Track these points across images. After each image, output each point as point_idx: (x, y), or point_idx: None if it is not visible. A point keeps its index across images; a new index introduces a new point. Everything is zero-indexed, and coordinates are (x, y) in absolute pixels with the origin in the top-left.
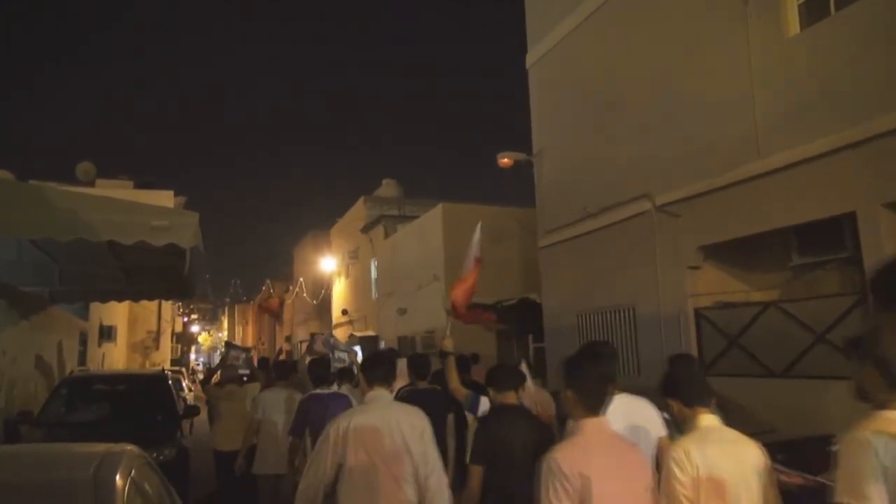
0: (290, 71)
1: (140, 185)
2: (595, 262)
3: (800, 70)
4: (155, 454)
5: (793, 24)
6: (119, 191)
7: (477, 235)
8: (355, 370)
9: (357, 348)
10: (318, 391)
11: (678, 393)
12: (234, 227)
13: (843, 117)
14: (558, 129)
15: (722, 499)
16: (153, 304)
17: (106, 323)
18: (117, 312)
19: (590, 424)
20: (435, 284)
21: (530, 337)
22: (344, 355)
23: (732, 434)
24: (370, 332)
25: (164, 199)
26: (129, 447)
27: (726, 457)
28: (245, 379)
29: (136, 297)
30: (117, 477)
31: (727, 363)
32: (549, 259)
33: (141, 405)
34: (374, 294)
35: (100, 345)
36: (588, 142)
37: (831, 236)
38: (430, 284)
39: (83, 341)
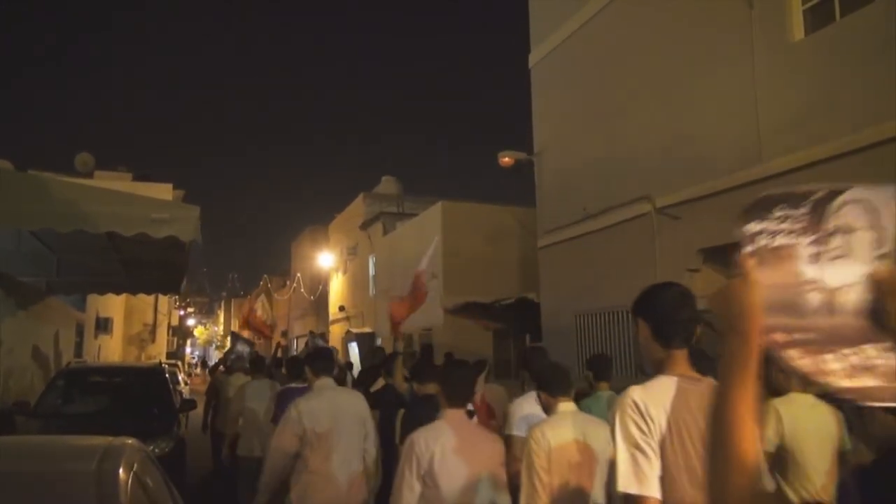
0: (290, 66)
1: (138, 178)
2: (594, 264)
3: (804, 75)
4: (153, 447)
5: (798, 29)
6: (117, 182)
7: (431, 251)
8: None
9: (353, 344)
10: (293, 385)
11: (544, 384)
12: (233, 221)
13: (847, 124)
14: (560, 130)
15: (570, 467)
16: (150, 297)
17: (103, 315)
18: (114, 304)
19: (450, 414)
20: (433, 282)
21: (527, 336)
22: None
23: (585, 416)
24: (367, 329)
25: (163, 191)
26: (130, 441)
27: (578, 434)
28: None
29: (134, 291)
30: (120, 470)
31: None
32: (549, 259)
33: (138, 398)
34: (371, 291)
35: (96, 336)
36: (589, 142)
37: None
38: (429, 282)
39: (80, 332)
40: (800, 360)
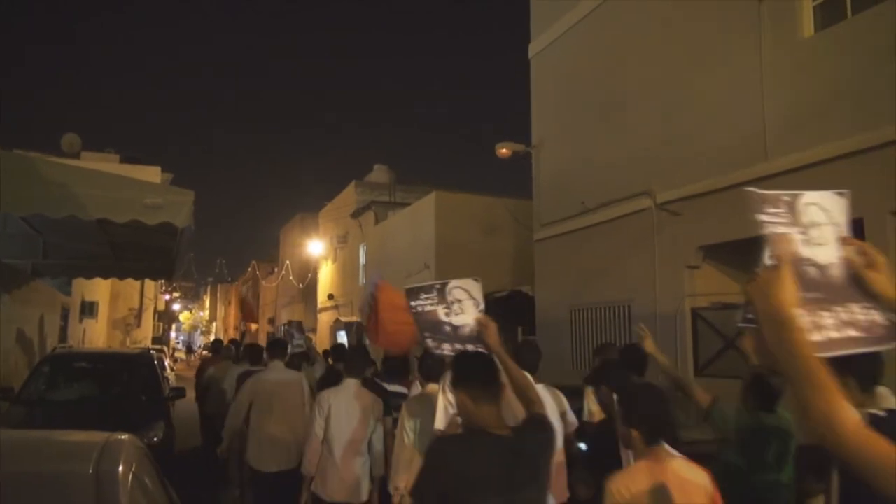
0: (283, 51)
1: (126, 160)
2: (591, 258)
3: (812, 73)
4: (143, 437)
5: (807, 26)
6: (105, 164)
7: (371, 286)
8: (311, 354)
9: (342, 333)
10: (251, 368)
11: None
12: (221, 206)
13: (854, 122)
14: (559, 122)
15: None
16: (136, 281)
17: (88, 299)
18: (100, 288)
19: (346, 383)
20: (425, 273)
21: (520, 329)
22: (301, 341)
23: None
24: (356, 318)
25: (151, 174)
26: (126, 436)
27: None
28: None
29: (122, 275)
30: (120, 470)
31: (723, 364)
32: (545, 252)
33: (126, 385)
34: (361, 280)
35: (81, 321)
36: (589, 135)
37: None
38: (421, 272)
39: (65, 317)
40: (801, 318)
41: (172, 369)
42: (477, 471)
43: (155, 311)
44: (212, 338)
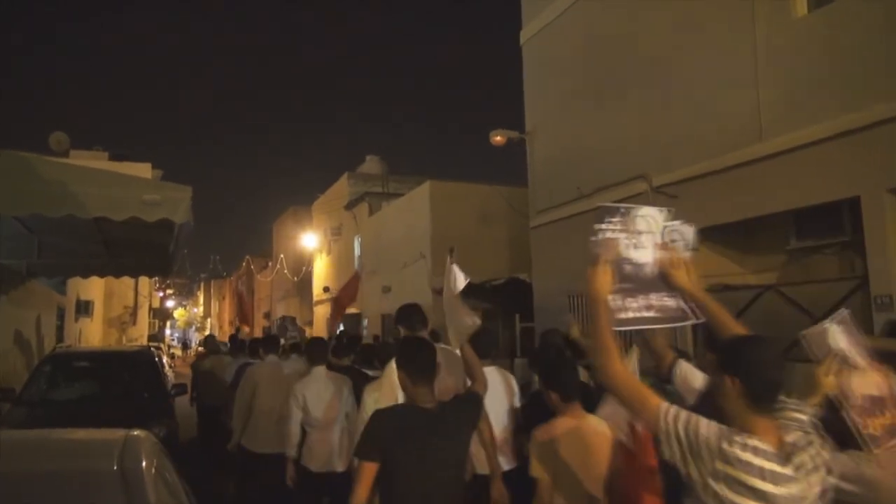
0: (273, 43)
1: (115, 157)
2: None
3: (807, 52)
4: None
5: (801, 5)
6: (94, 163)
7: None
8: (303, 344)
9: (340, 325)
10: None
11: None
12: (213, 201)
13: (850, 101)
14: (552, 108)
15: None
16: (130, 279)
17: (83, 298)
18: (94, 287)
19: (314, 372)
20: (421, 263)
21: (517, 317)
22: (295, 332)
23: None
24: (352, 310)
25: (142, 171)
26: (144, 432)
27: None
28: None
29: (118, 273)
30: (144, 465)
31: None
32: (541, 239)
33: (128, 383)
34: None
35: (77, 320)
36: (583, 121)
37: (830, 220)
38: (416, 262)
39: (61, 316)
40: (613, 302)
41: (171, 366)
42: (405, 434)
43: (150, 308)
44: (206, 333)
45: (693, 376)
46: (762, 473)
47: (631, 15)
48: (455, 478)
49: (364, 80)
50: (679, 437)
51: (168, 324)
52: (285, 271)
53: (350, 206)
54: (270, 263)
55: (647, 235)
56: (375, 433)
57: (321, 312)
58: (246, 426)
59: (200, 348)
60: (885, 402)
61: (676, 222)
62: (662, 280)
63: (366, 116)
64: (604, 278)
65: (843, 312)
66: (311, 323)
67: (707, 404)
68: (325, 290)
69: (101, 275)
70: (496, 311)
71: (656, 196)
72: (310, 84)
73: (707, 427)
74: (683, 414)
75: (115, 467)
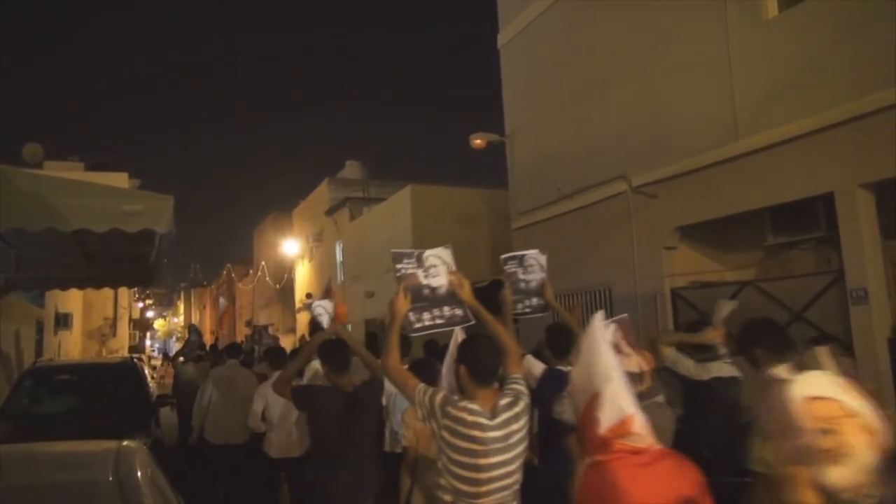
0: (250, 49)
1: (91, 167)
2: (570, 244)
3: (778, 52)
4: None
5: (772, 7)
6: (70, 173)
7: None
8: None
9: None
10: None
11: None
12: (191, 209)
13: (821, 100)
14: (532, 110)
15: None
16: (110, 290)
17: (62, 310)
18: (73, 299)
19: (276, 374)
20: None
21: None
22: (270, 340)
23: None
24: None
25: (119, 181)
26: (135, 443)
27: None
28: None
29: (97, 285)
30: (139, 475)
31: None
32: (523, 240)
33: (111, 395)
34: (339, 277)
35: (56, 333)
36: (563, 123)
37: (805, 216)
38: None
39: (39, 329)
40: (411, 316)
41: (153, 377)
42: (331, 408)
43: (130, 319)
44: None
45: (535, 366)
46: (471, 424)
47: (607, 18)
48: (369, 442)
49: (343, 85)
50: (424, 404)
51: (148, 335)
52: (267, 279)
53: (331, 211)
54: (251, 271)
55: (441, 266)
56: (306, 398)
57: (304, 319)
58: (204, 422)
59: (181, 358)
60: (642, 376)
61: (534, 251)
62: (452, 296)
63: (345, 121)
64: (401, 302)
65: (624, 317)
66: (293, 330)
67: (545, 385)
68: (308, 296)
69: (81, 287)
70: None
71: (636, 196)
72: (288, 90)
73: (441, 396)
74: (429, 390)
75: (111, 478)
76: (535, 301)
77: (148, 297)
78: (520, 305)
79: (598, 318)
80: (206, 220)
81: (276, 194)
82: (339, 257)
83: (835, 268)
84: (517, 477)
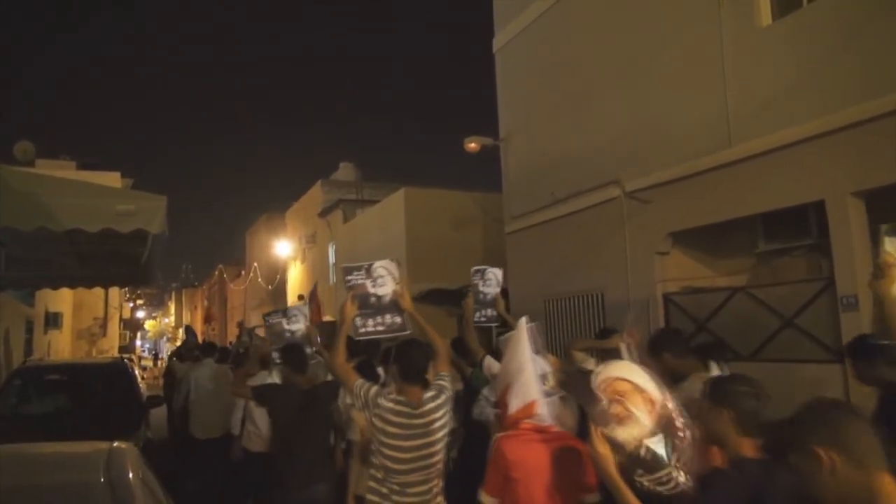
0: (244, 49)
1: (83, 166)
2: (563, 248)
3: (771, 60)
4: None
5: (765, 15)
6: (62, 172)
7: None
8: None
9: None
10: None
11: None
12: (183, 209)
13: (814, 107)
14: (526, 115)
15: None
16: (101, 290)
17: (52, 310)
18: (63, 298)
19: (259, 374)
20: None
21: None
22: (258, 341)
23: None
24: (328, 318)
25: (111, 180)
26: (126, 444)
27: None
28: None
29: (89, 284)
30: (130, 477)
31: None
32: (516, 245)
33: (102, 395)
34: (332, 279)
35: (45, 332)
36: (557, 127)
37: (797, 223)
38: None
39: (29, 329)
40: (357, 321)
41: (143, 378)
42: (288, 403)
43: (120, 319)
44: (178, 344)
45: (493, 365)
46: (397, 413)
47: (602, 24)
48: (323, 435)
49: (337, 86)
50: (361, 396)
51: (139, 335)
52: (259, 280)
53: (324, 213)
54: (244, 272)
55: (388, 277)
56: (266, 397)
57: (354, 311)
58: (189, 418)
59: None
60: (545, 376)
61: (495, 268)
62: (395, 305)
63: (339, 123)
64: (349, 309)
65: (535, 324)
66: None
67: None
68: (300, 297)
69: (72, 286)
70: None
71: (629, 201)
72: (282, 91)
73: (374, 390)
74: (366, 385)
75: (103, 479)
76: (489, 312)
77: (139, 297)
78: (477, 314)
79: (523, 323)
80: (198, 220)
81: (270, 195)
82: (331, 259)
83: (825, 275)
84: (440, 457)
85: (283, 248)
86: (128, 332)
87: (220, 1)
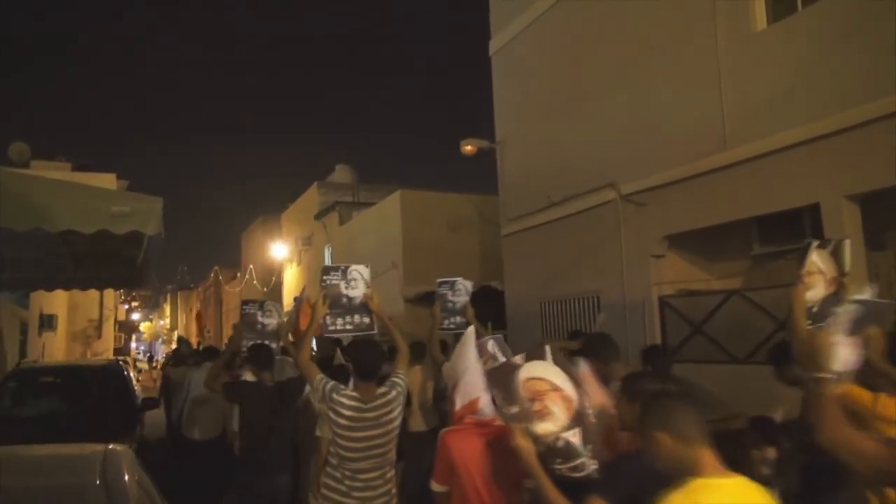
0: (240, 50)
1: (78, 168)
2: (559, 251)
3: (766, 64)
4: None
5: (760, 19)
6: (57, 173)
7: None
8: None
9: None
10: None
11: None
12: (179, 211)
13: (808, 111)
14: (522, 117)
15: None
16: (96, 292)
17: (47, 311)
18: (58, 300)
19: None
20: (393, 272)
21: (489, 325)
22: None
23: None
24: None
25: (106, 182)
26: (121, 446)
27: None
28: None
29: (84, 286)
30: (126, 479)
31: (691, 350)
32: (513, 247)
33: (96, 398)
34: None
35: (40, 334)
36: (553, 130)
37: (792, 226)
38: (388, 272)
39: (23, 331)
40: (327, 319)
41: (138, 380)
42: (256, 399)
43: (115, 321)
44: (173, 346)
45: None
46: (349, 407)
47: (598, 27)
48: (288, 428)
49: (333, 88)
50: (320, 390)
51: (134, 337)
52: (255, 282)
53: (320, 215)
54: (239, 274)
55: (360, 280)
56: (236, 393)
57: (324, 311)
58: (186, 420)
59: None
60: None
61: (463, 279)
62: (364, 306)
63: (335, 125)
64: (321, 308)
65: (500, 336)
66: None
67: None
68: (295, 300)
69: (67, 288)
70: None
71: (625, 204)
72: (278, 93)
73: (330, 385)
74: (325, 380)
75: (98, 481)
76: (458, 319)
77: (134, 299)
78: (446, 322)
79: (471, 331)
80: (194, 222)
81: (266, 197)
82: (327, 261)
83: None
84: (390, 447)
85: (279, 250)
86: (123, 335)
87: (218, 3)
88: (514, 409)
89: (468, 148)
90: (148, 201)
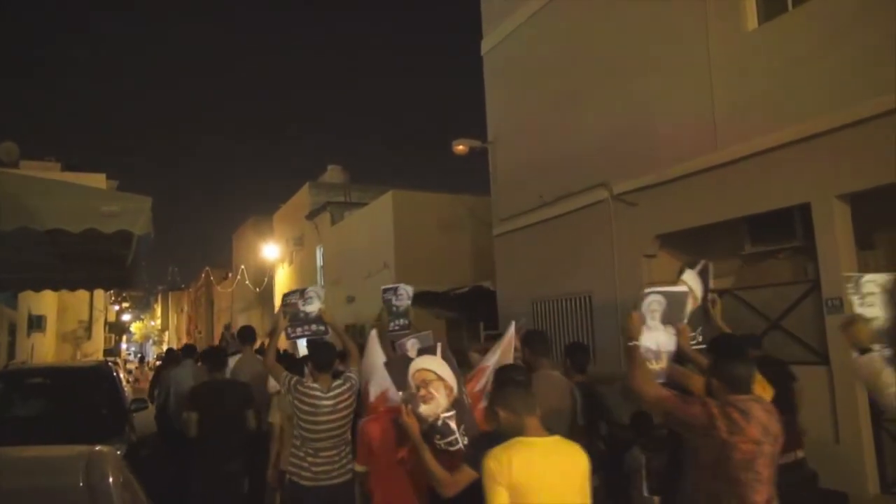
0: (232, 50)
1: (68, 168)
2: (551, 251)
3: (757, 64)
4: None
5: (751, 19)
6: (46, 173)
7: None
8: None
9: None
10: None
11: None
12: (169, 212)
13: (799, 111)
14: (514, 117)
15: None
16: (85, 292)
17: (35, 312)
18: (47, 301)
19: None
20: (385, 272)
21: (482, 324)
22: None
23: None
24: None
25: (96, 182)
26: (107, 448)
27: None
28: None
29: (73, 287)
30: (110, 481)
31: None
32: (504, 247)
33: (86, 399)
34: (320, 281)
35: (29, 335)
36: (545, 130)
37: (782, 226)
38: (381, 272)
39: (12, 332)
40: (289, 327)
41: (128, 381)
42: (212, 395)
43: (105, 322)
44: (164, 347)
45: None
46: (311, 395)
47: (590, 26)
48: (237, 419)
49: (324, 88)
50: (285, 384)
51: (124, 338)
52: (246, 282)
53: (312, 215)
54: (230, 274)
55: (315, 298)
56: (199, 394)
57: (283, 323)
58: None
59: (158, 362)
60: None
61: (406, 285)
62: (319, 318)
63: (327, 126)
64: (281, 321)
65: (440, 343)
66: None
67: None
68: None
69: (55, 288)
70: (460, 319)
71: (616, 203)
72: (269, 93)
73: (294, 379)
74: (289, 375)
75: (82, 483)
76: (402, 321)
77: (124, 299)
78: (391, 324)
79: (374, 334)
80: (185, 222)
81: (257, 198)
82: (319, 262)
83: (811, 277)
84: (345, 430)
85: (271, 250)
86: (113, 335)
87: (209, 4)
88: (405, 394)
89: (460, 148)
90: (137, 201)
